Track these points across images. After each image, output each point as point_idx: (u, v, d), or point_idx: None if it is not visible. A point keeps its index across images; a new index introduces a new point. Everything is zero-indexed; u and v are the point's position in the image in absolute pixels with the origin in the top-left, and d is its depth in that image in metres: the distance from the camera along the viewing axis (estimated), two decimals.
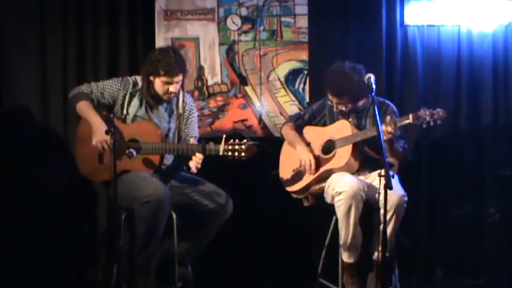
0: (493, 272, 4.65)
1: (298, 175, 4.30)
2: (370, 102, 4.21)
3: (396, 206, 3.95)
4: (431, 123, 3.94)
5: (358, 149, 4.14)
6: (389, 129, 3.95)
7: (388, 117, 4.01)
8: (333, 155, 4.20)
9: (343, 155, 4.15)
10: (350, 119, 4.24)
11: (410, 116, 3.96)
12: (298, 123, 4.43)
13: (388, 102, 4.30)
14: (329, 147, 4.24)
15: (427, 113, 3.93)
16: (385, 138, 3.91)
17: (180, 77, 4.08)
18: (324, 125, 4.35)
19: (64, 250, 4.74)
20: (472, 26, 4.77)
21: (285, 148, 4.45)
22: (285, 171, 4.38)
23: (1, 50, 4.70)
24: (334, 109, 4.25)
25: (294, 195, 4.34)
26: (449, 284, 4.74)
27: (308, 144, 4.32)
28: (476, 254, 4.76)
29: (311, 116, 4.41)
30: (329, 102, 4.32)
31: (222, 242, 4.35)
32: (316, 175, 4.22)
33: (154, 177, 3.99)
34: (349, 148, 4.12)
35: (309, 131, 4.39)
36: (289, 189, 4.34)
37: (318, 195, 4.24)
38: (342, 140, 4.16)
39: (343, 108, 4.20)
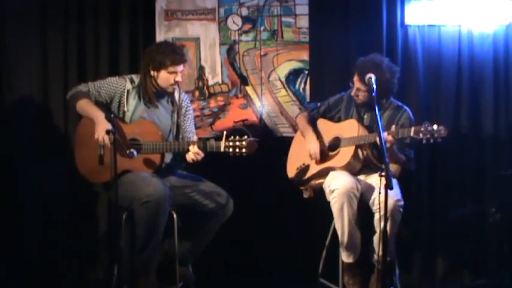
0: (493, 272, 4.64)
1: (302, 165, 4.31)
2: (389, 104, 4.22)
3: (391, 211, 3.91)
4: (431, 141, 3.87)
5: (360, 152, 4.13)
6: (390, 138, 3.94)
7: (393, 127, 4.00)
8: (336, 153, 4.21)
9: (345, 155, 4.15)
10: (365, 116, 4.24)
11: (412, 129, 3.90)
12: (313, 114, 4.42)
13: (405, 107, 4.28)
14: (335, 144, 4.24)
15: (428, 130, 3.84)
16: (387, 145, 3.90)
17: (183, 66, 4.12)
18: (339, 120, 4.34)
19: (65, 250, 4.75)
20: (473, 26, 4.76)
21: (297, 137, 4.47)
22: (292, 159, 4.40)
23: (2, 50, 4.70)
24: (352, 93, 4.22)
25: (295, 184, 4.35)
26: (449, 284, 4.74)
27: (318, 136, 4.31)
28: (476, 254, 4.76)
29: (326, 109, 4.39)
30: (345, 95, 4.30)
31: (223, 241, 4.35)
32: (317, 170, 4.23)
33: (155, 177, 3.99)
34: (351, 149, 4.12)
35: (321, 124, 4.39)
36: (292, 177, 4.36)
37: (316, 189, 4.25)
38: (347, 140, 4.16)
39: (358, 96, 4.17)
